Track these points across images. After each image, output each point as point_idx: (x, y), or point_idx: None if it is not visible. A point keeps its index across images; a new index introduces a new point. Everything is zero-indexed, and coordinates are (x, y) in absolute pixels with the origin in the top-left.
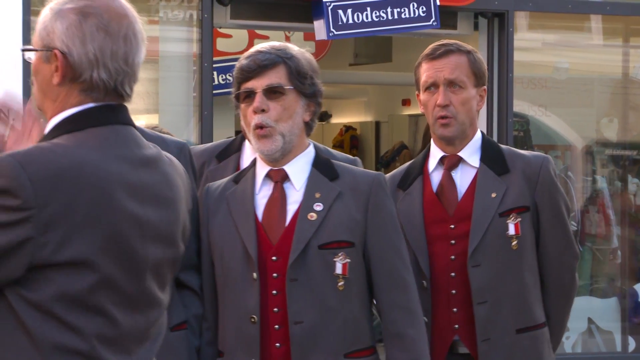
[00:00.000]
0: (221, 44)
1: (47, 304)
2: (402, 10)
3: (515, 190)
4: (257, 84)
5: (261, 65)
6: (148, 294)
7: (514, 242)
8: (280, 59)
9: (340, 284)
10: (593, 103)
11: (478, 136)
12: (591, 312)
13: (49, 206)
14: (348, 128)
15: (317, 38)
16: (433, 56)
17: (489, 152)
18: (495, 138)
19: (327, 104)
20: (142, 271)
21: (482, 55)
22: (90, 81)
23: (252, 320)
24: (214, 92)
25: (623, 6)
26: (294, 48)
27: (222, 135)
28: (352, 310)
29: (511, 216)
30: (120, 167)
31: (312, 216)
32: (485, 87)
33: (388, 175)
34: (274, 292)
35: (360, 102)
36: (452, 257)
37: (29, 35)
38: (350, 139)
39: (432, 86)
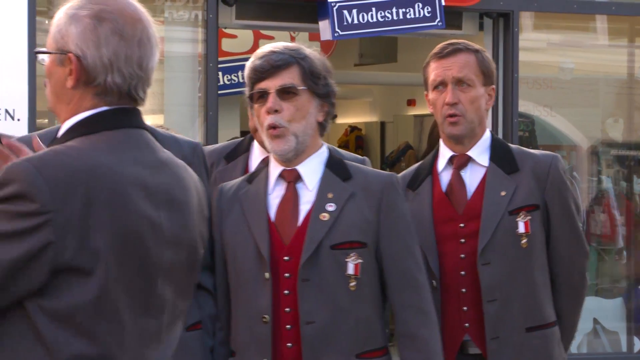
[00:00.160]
0: (226, 44)
1: (64, 311)
2: (407, 10)
3: (525, 189)
4: (271, 85)
5: (274, 65)
6: (161, 298)
7: (524, 240)
8: (293, 59)
9: (352, 284)
10: (598, 103)
11: (487, 135)
12: (597, 313)
13: (66, 209)
14: (353, 128)
15: (322, 38)
16: (441, 55)
17: (498, 151)
18: None
19: None
20: (155, 275)
21: None
22: (104, 85)
23: (264, 320)
24: (219, 92)
25: (628, 6)
26: (307, 48)
27: (227, 135)
28: (364, 311)
29: (521, 214)
30: (134, 170)
31: (325, 216)
32: (494, 86)
33: (399, 175)
34: (286, 292)
35: (365, 102)
36: (462, 255)
37: (34, 36)
38: (355, 139)
39: (441, 85)
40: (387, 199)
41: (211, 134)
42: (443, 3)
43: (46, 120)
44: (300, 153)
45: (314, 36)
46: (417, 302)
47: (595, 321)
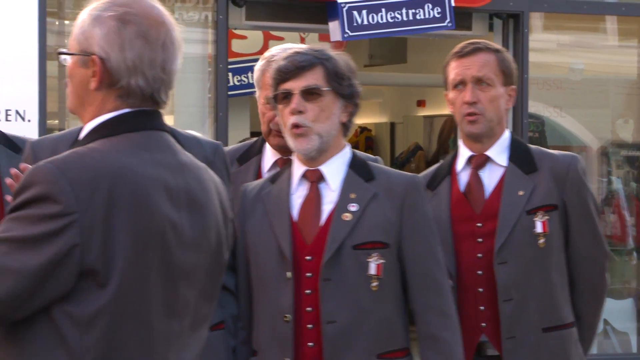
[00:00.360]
0: (236, 45)
1: (88, 315)
2: (417, 11)
3: (543, 189)
4: (295, 85)
5: (299, 66)
6: (184, 300)
7: (541, 240)
8: (318, 60)
9: (373, 284)
10: (608, 104)
11: (506, 135)
12: (607, 314)
13: (90, 211)
14: (363, 129)
15: (332, 39)
16: (461, 54)
17: (517, 151)
18: None
19: None
20: (177, 277)
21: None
22: (127, 87)
23: (286, 319)
24: (229, 93)
25: (638, 7)
26: (331, 49)
27: (237, 136)
28: (385, 311)
29: (538, 214)
30: (156, 172)
31: (347, 216)
32: (515, 86)
33: (419, 175)
34: (308, 291)
35: (375, 103)
36: (479, 255)
37: (45, 38)
38: (365, 140)
39: (460, 84)
40: (409, 200)
41: (221, 135)
42: (453, 4)
43: (56, 121)
44: (323, 152)
45: (324, 37)
46: (438, 304)
47: (606, 322)
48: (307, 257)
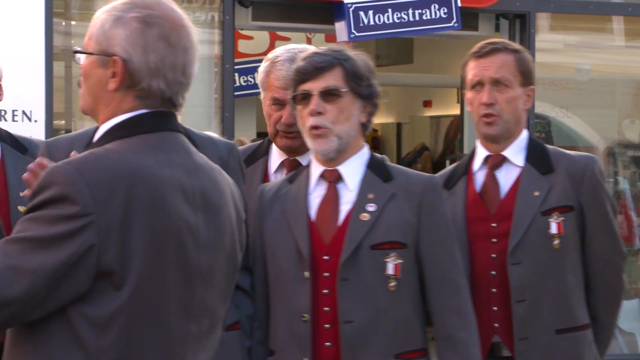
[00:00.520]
0: (242, 46)
1: (105, 317)
2: (424, 11)
3: (559, 190)
4: (314, 86)
5: (317, 67)
6: (202, 302)
7: (556, 241)
8: (336, 60)
9: (391, 284)
10: (615, 104)
11: (524, 135)
12: None
13: (108, 211)
14: None
15: (338, 40)
16: (479, 54)
17: (534, 152)
18: None
19: None
20: (194, 279)
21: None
22: (147, 89)
23: (304, 319)
24: (236, 93)
25: None
26: (350, 50)
27: (243, 136)
28: (403, 311)
29: (554, 215)
30: (172, 173)
31: (365, 216)
32: (533, 86)
33: (436, 175)
34: (325, 291)
35: (381, 103)
36: (493, 255)
37: (51, 38)
38: (371, 141)
39: (478, 84)
40: (428, 201)
41: (227, 136)
42: (459, 4)
43: (63, 122)
44: (342, 153)
45: (330, 37)
46: (456, 304)
47: None
48: (325, 257)
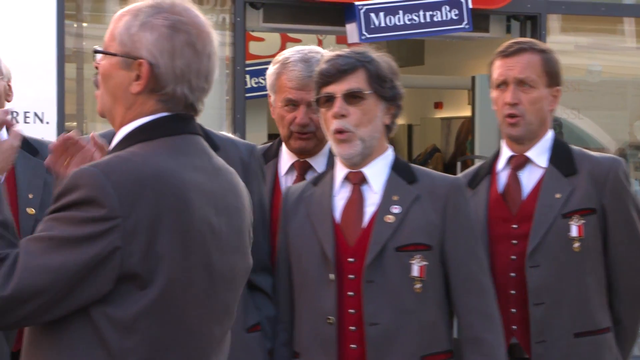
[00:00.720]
0: (254, 48)
1: (130, 319)
2: (435, 13)
3: (582, 192)
4: (337, 89)
5: (341, 69)
6: (224, 304)
7: (576, 244)
8: (360, 63)
9: (417, 286)
10: (626, 106)
11: (548, 136)
12: None
13: (133, 215)
14: None
15: (349, 41)
16: (505, 54)
17: (558, 153)
18: None
19: None
20: (218, 281)
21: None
22: (171, 94)
23: (329, 321)
24: (247, 95)
25: None
26: (374, 51)
27: (254, 138)
28: (428, 313)
29: (574, 218)
30: (195, 176)
31: (390, 218)
32: (560, 87)
33: (461, 174)
34: (350, 293)
35: None
36: (513, 257)
37: (63, 40)
38: None
39: (503, 84)
40: (452, 202)
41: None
42: (470, 6)
43: (75, 123)
44: (366, 156)
45: (342, 39)
46: (481, 306)
47: None
48: (350, 259)
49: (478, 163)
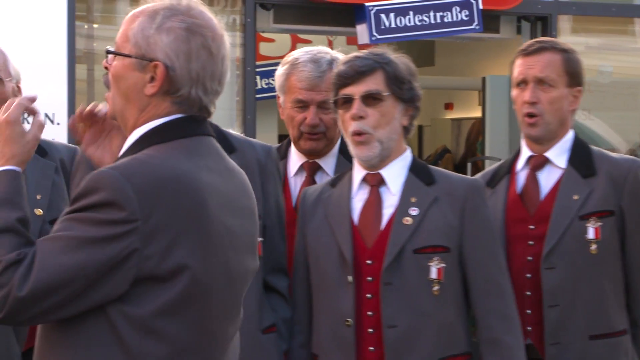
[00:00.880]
0: (264, 48)
1: (148, 318)
2: (445, 14)
3: (600, 194)
4: (355, 90)
5: (359, 71)
6: (237, 304)
7: (593, 247)
8: (378, 64)
9: (435, 288)
10: (637, 107)
11: (569, 137)
12: None
13: (152, 217)
14: None
15: (359, 42)
16: (526, 52)
17: (578, 154)
18: None
19: None
20: (234, 282)
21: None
22: (187, 96)
23: (347, 323)
24: (257, 96)
25: None
26: (391, 53)
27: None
28: (447, 315)
29: (591, 220)
30: (210, 177)
31: (408, 220)
32: (581, 87)
33: (479, 173)
34: (368, 295)
35: None
36: (529, 258)
37: (74, 41)
38: None
39: (522, 83)
40: (470, 204)
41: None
42: (481, 6)
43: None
44: (384, 158)
45: (352, 40)
46: (500, 307)
47: None
48: (368, 261)
49: (494, 164)
